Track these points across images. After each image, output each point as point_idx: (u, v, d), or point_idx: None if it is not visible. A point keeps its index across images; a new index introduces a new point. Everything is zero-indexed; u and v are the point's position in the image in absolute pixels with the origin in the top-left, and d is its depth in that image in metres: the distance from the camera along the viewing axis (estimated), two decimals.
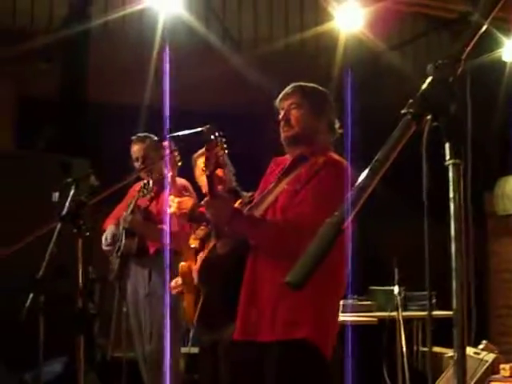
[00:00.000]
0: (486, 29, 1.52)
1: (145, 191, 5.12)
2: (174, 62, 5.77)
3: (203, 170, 3.12)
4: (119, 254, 5.30)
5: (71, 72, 7.65)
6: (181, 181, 5.17)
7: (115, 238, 5.33)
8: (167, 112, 5.46)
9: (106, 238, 5.37)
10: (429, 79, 1.46)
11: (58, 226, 3.81)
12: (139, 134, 5.47)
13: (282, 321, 3.04)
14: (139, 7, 6.70)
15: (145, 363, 5.34)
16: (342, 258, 3.12)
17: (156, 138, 5.40)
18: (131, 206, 5.23)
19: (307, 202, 3.06)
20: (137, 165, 5.38)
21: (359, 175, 1.42)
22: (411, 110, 1.42)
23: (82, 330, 3.13)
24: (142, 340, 5.32)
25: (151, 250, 5.27)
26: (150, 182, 5.11)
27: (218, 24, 7.59)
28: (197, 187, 4.90)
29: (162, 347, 5.01)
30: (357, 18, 7.07)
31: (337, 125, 3.43)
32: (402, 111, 1.42)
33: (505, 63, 7.83)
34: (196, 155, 4.72)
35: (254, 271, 3.12)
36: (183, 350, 5.45)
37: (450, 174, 1.44)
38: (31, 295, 4.12)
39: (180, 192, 5.05)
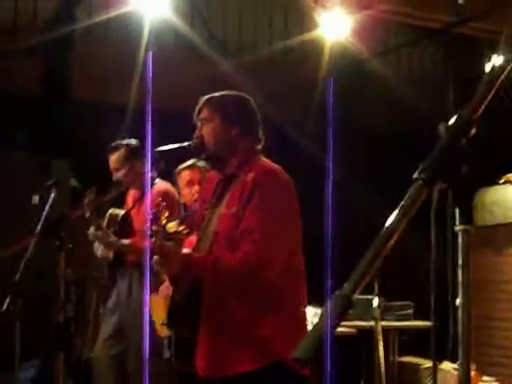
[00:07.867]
0: None
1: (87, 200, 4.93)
2: (158, 63, 5.73)
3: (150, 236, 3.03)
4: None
5: (53, 69, 7.58)
6: (159, 187, 5.03)
7: None
8: (149, 113, 5.40)
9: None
10: (440, 142, 1.40)
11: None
12: (114, 143, 5.19)
13: (248, 350, 2.96)
14: (125, 10, 6.64)
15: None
16: (292, 281, 3.09)
17: (134, 142, 5.17)
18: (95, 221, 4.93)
19: (256, 229, 2.90)
20: (114, 175, 5.18)
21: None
22: (423, 176, 1.37)
23: (61, 346, 3.09)
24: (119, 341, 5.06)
25: (129, 259, 5.01)
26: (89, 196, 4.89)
27: (204, 27, 7.56)
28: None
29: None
30: (342, 25, 7.06)
31: (258, 128, 3.19)
32: (414, 176, 1.37)
33: None
34: (179, 168, 4.71)
35: (211, 306, 3.00)
36: None
37: (460, 240, 1.39)
38: (8, 298, 4.07)
39: (154, 201, 4.96)
